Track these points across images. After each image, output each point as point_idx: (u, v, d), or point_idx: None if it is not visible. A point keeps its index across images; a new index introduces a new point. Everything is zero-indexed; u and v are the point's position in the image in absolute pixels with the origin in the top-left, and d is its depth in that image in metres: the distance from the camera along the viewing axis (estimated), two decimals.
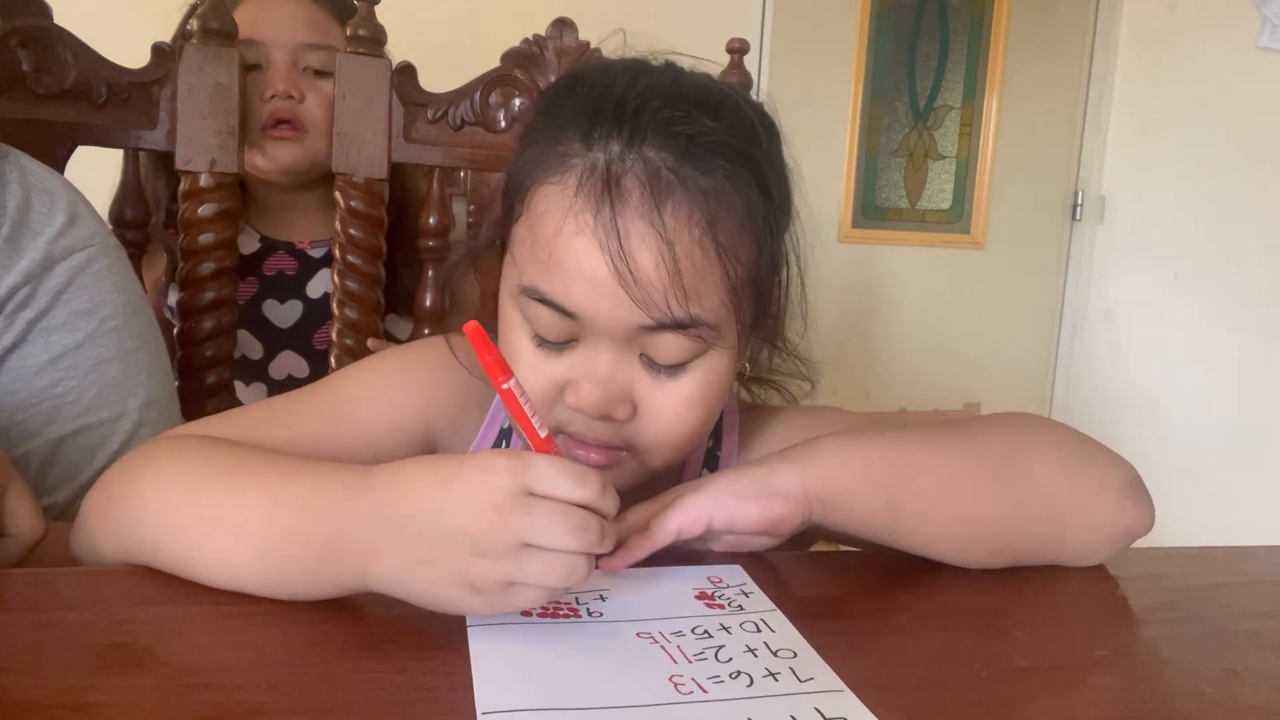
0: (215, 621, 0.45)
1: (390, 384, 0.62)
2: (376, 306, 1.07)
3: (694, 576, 0.52)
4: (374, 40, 1.02)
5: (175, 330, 1.03)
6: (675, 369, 0.53)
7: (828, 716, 0.39)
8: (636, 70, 0.54)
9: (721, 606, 0.49)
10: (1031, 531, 0.56)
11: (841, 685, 0.41)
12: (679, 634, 0.45)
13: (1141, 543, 0.59)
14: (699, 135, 0.50)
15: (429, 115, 1.04)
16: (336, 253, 1.05)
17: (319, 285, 1.19)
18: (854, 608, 0.51)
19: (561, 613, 0.47)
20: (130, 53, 0.97)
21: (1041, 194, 2.68)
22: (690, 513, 0.52)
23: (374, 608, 0.46)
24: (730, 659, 0.43)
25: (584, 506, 0.43)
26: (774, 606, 0.49)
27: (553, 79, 1.06)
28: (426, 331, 1.08)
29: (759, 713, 0.39)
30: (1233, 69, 2.31)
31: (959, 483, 0.55)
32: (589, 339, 0.53)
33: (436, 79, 1.05)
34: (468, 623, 0.45)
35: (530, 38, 1.06)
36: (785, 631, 0.46)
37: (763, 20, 2.41)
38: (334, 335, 1.06)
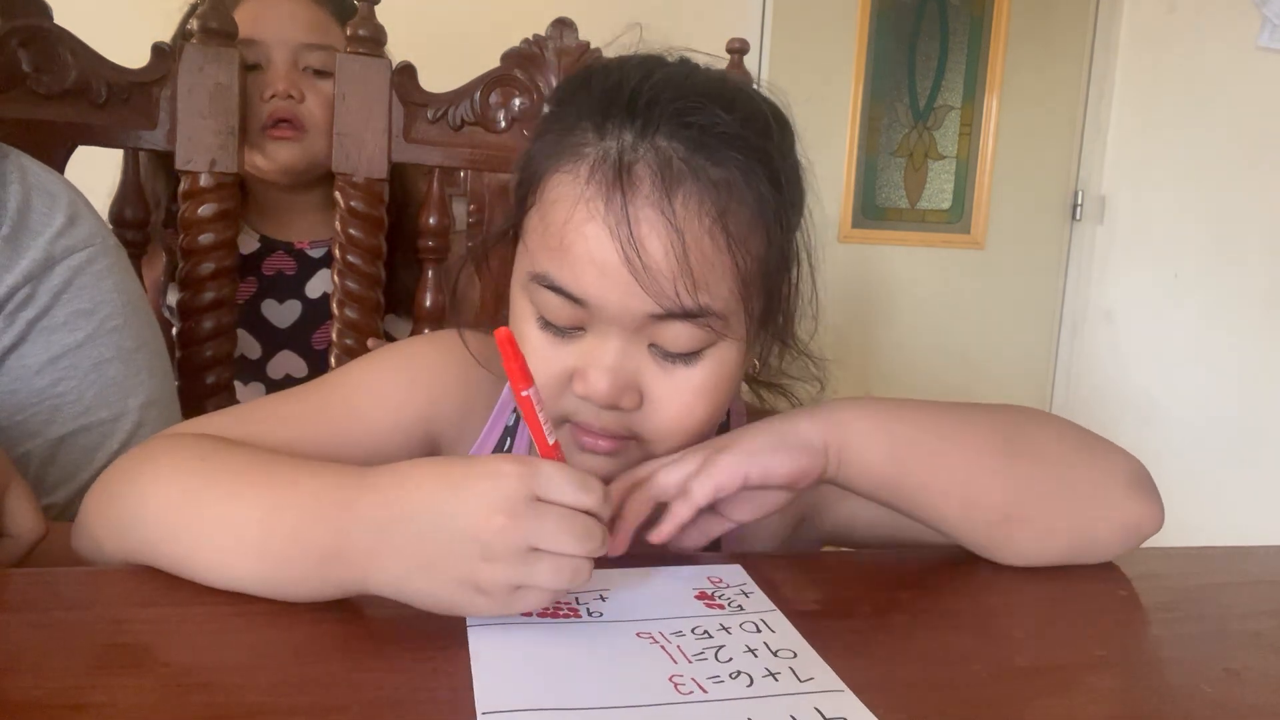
0: (215, 621, 0.45)
1: (393, 382, 0.62)
2: (376, 306, 1.07)
3: (694, 576, 0.52)
4: (374, 40, 1.02)
5: (175, 330, 1.03)
6: (684, 359, 0.54)
7: (828, 716, 0.39)
8: (651, 64, 0.54)
9: (721, 606, 0.49)
10: (1040, 496, 0.56)
11: (841, 685, 0.41)
12: (679, 634, 0.45)
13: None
14: (711, 126, 0.51)
15: (429, 115, 1.04)
16: (336, 253, 1.05)
17: (318, 285, 1.19)
18: (854, 608, 0.51)
19: (562, 613, 0.47)
20: (130, 53, 0.97)
21: (1041, 194, 2.68)
22: (727, 469, 0.52)
23: (374, 608, 0.46)
24: (730, 659, 0.43)
25: (586, 512, 0.44)
26: (774, 606, 0.49)
27: (553, 79, 1.06)
28: (426, 331, 1.08)
29: (759, 713, 0.39)
30: (1233, 69, 2.31)
31: (967, 439, 0.56)
32: (598, 327, 0.53)
33: (436, 79, 1.05)
34: (468, 622, 0.45)
35: (530, 38, 1.06)
36: (785, 631, 0.46)
37: (763, 20, 2.41)
38: (334, 335, 1.06)
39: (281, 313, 1.18)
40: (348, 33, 1.02)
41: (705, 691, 0.40)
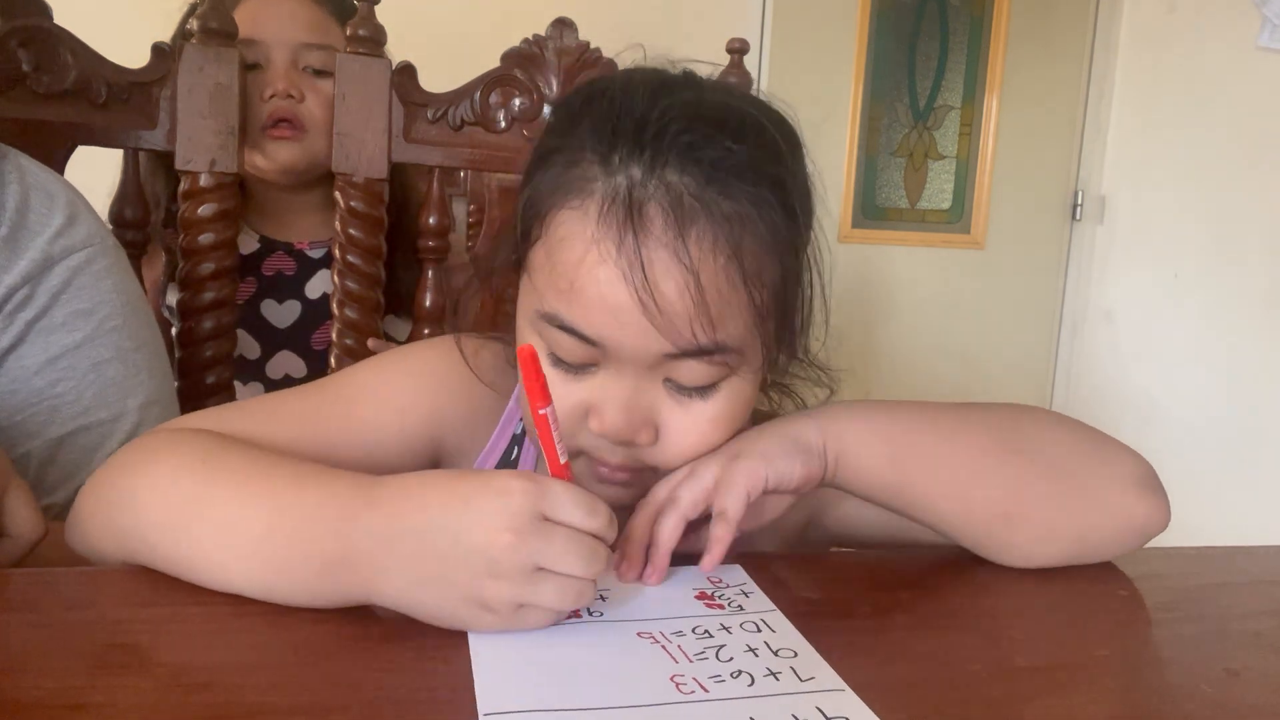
0: (215, 621, 0.45)
1: (398, 388, 0.62)
2: (376, 306, 1.07)
3: (694, 577, 0.52)
4: (374, 40, 1.02)
5: (175, 330, 1.03)
6: (699, 392, 0.53)
7: (829, 716, 0.39)
8: (655, 85, 0.52)
9: (722, 606, 0.49)
10: (1041, 497, 0.56)
11: (843, 684, 0.41)
12: (679, 634, 0.45)
13: None
14: (722, 159, 0.49)
15: (429, 115, 1.04)
16: (336, 253, 1.05)
17: (317, 286, 1.19)
18: (854, 608, 0.51)
19: None
20: (130, 53, 0.97)
21: (1041, 194, 2.68)
22: (750, 475, 0.52)
23: (374, 608, 0.46)
24: (731, 658, 0.43)
25: (592, 535, 0.44)
26: (774, 606, 0.49)
27: (553, 79, 1.06)
28: (426, 332, 1.08)
29: (760, 712, 0.39)
30: (1233, 69, 2.31)
31: (965, 439, 0.56)
32: (611, 365, 0.52)
33: (436, 79, 1.05)
34: None
35: (530, 38, 1.06)
36: (785, 631, 0.46)
37: (763, 20, 2.41)
38: (334, 335, 1.06)
39: (281, 313, 1.18)
40: (348, 32, 1.02)
41: (707, 691, 0.40)
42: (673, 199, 0.48)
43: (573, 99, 0.56)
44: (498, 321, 0.58)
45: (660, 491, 0.54)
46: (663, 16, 2.21)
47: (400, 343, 1.15)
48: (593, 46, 1.06)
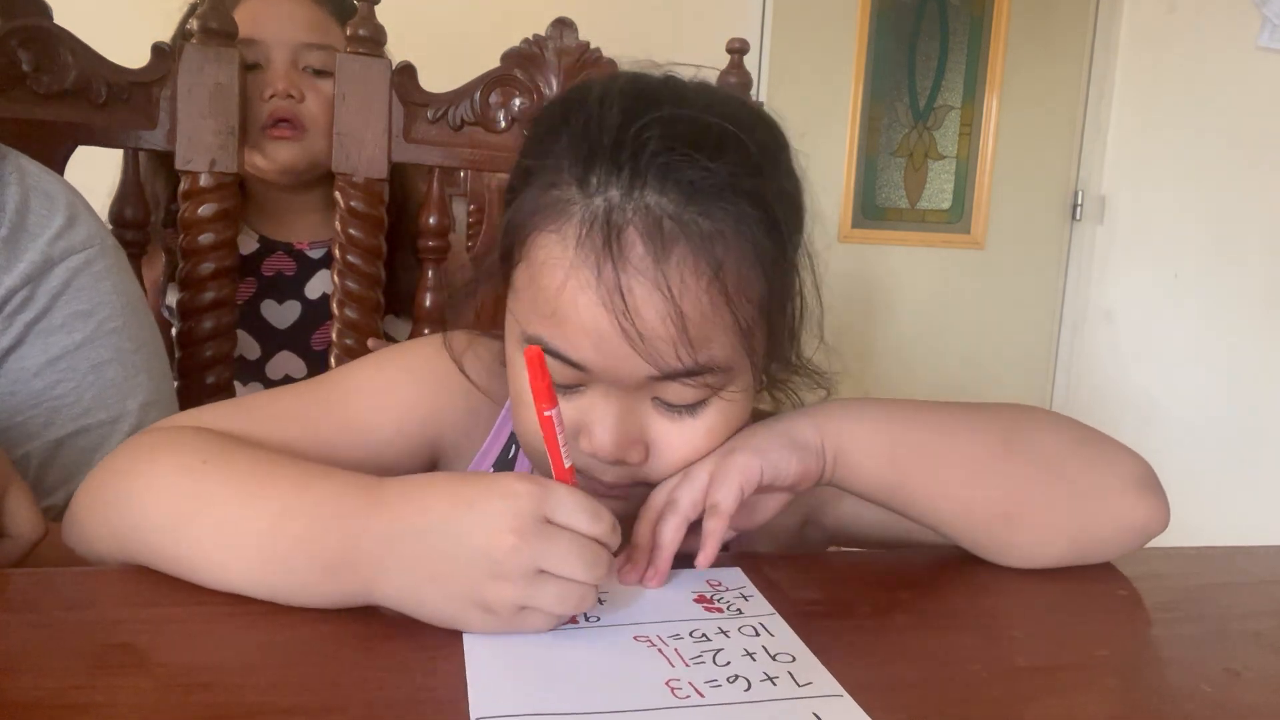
0: (215, 621, 0.45)
1: (396, 387, 0.62)
2: (376, 306, 1.07)
3: (693, 579, 0.52)
4: (374, 40, 1.02)
5: (174, 330, 1.03)
6: (689, 409, 0.53)
7: None
8: (632, 98, 0.50)
9: (720, 610, 0.49)
10: (1041, 497, 0.55)
11: (840, 690, 0.41)
12: (676, 637, 0.45)
13: None
14: (701, 179, 0.48)
15: (429, 115, 1.04)
16: (336, 253, 1.05)
17: (317, 286, 1.19)
18: (854, 608, 0.51)
19: None
20: (130, 53, 0.97)
21: (1041, 194, 2.68)
22: (743, 469, 0.51)
23: (374, 608, 0.46)
24: (728, 662, 0.43)
25: (594, 540, 0.44)
26: (773, 610, 0.49)
27: (553, 79, 1.06)
28: (426, 332, 1.08)
29: (756, 717, 0.39)
30: (1233, 69, 2.31)
31: (964, 439, 0.56)
32: (598, 386, 0.52)
33: (436, 79, 1.05)
34: None
35: (530, 38, 1.06)
36: (784, 635, 0.46)
37: (763, 20, 2.41)
38: (334, 335, 1.06)
39: (281, 313, 1.18)
40: (348, 32, 1.02)
41: (702, 696, 0.40)
42: (651, 222, 0.48)
43: (548, 114, 0.55)
44: (498, 321, 0.58)
45: (659, 496, 0.54)
46: (663, 16, 2.21)
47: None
48: (593, 46, 1.06)
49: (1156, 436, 2.40)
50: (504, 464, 0.64)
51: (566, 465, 0.47)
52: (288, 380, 1.18)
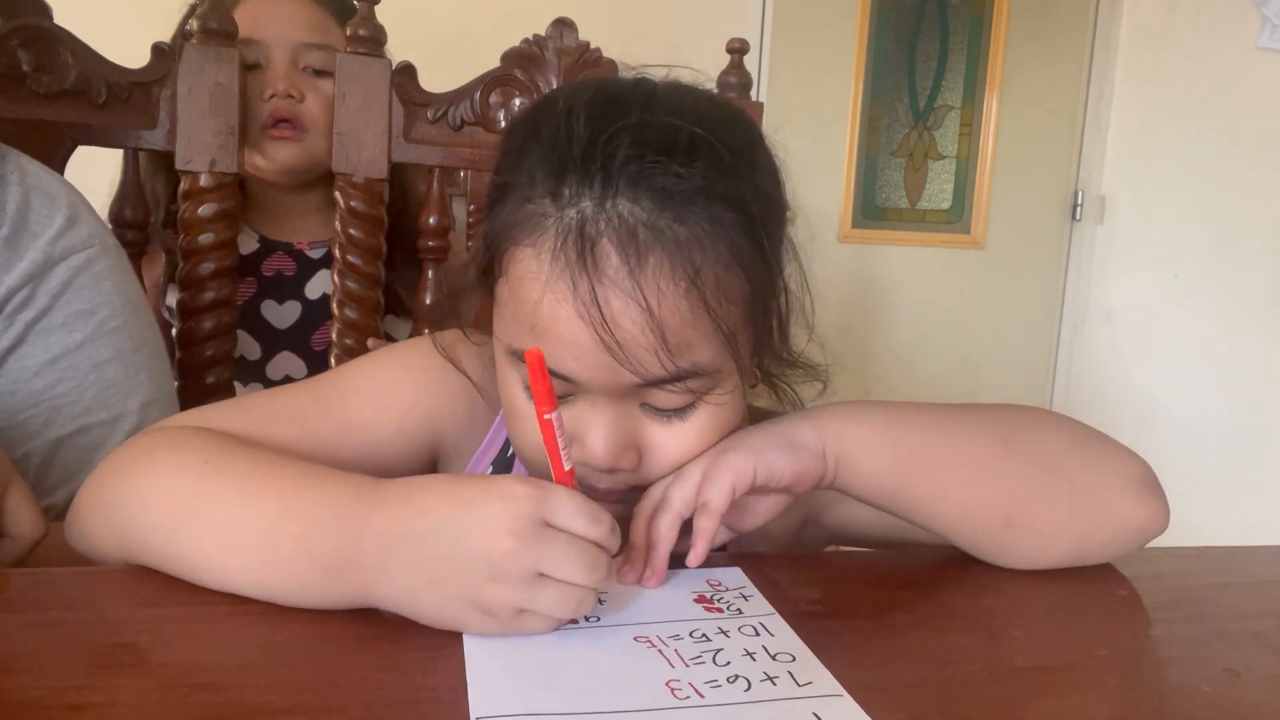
0: (215, 621, 0.45)
1: (397, 386, 0.62)
2: (376, 306, 1.07)
3: (693, 579, 0.52)
4: (374, 40, 1.02)
5: (174, 330, 1.03)
6: (679, 412, 0.53)
7: None
8: (600, 106, 0.50)
9: (720, 610, 0.49)
10: (1040, 500, 0.55)
11: (840, 690, 0.41)
12: (676, 637, 0.45)
13: None
14: (673, 185, 0.48)
15: (429, 115, 1.04)
16: (336, 253, 1.05)
17: (317, 286, 1.19)
18: (854, 608, 0.51)
19: None
20: (130, 53, 0.97)
21: (1041, 194, 2.68)
22: (736, 467, 0.51)
23: (374, 608, 0.46)
24: (728, 662, 0.43)
25: (594, 543, 0.44)
26: (773, 610, 0.49)
27: (553, 79, 1.06)
28: (426, 332, 1.08)
29: (755, 717, 0.39)
30: (1233, 69, 2.31)
31: (965, 441, 0.56)
32: (586, 395, 0.52)
33: (436, 79, 1.05)
34: None
35: (530, 38, 1.06)
36: (784, 635, 0.46)
37: (763, 20, 2.41)
38: (334, 335, 1.06)
39: (281, 313, 1.18)
40: (348, 33, 1.02)
41: (702, 696, 0.40)
42: (625, 232, 0.47)
43: (519, 128, 0.54)
44: (488, 322, 0.58)
45: (653, 495, 0.54)
46: (663, 16, 2.21)
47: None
48: (593, 46, 1.06)
49: (1156, 436, 2.40)
50: (503, 462, 0.64)
51: (566, 468, 0.47)
52: (288, 380, 1.18)
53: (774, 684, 0.41)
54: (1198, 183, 2.40)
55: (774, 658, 0.44)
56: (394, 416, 0.60)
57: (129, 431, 0.72)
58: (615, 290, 0.47)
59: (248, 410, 0.59)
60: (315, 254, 1.19)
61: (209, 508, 0.48)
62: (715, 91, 0.56)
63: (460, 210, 1.38)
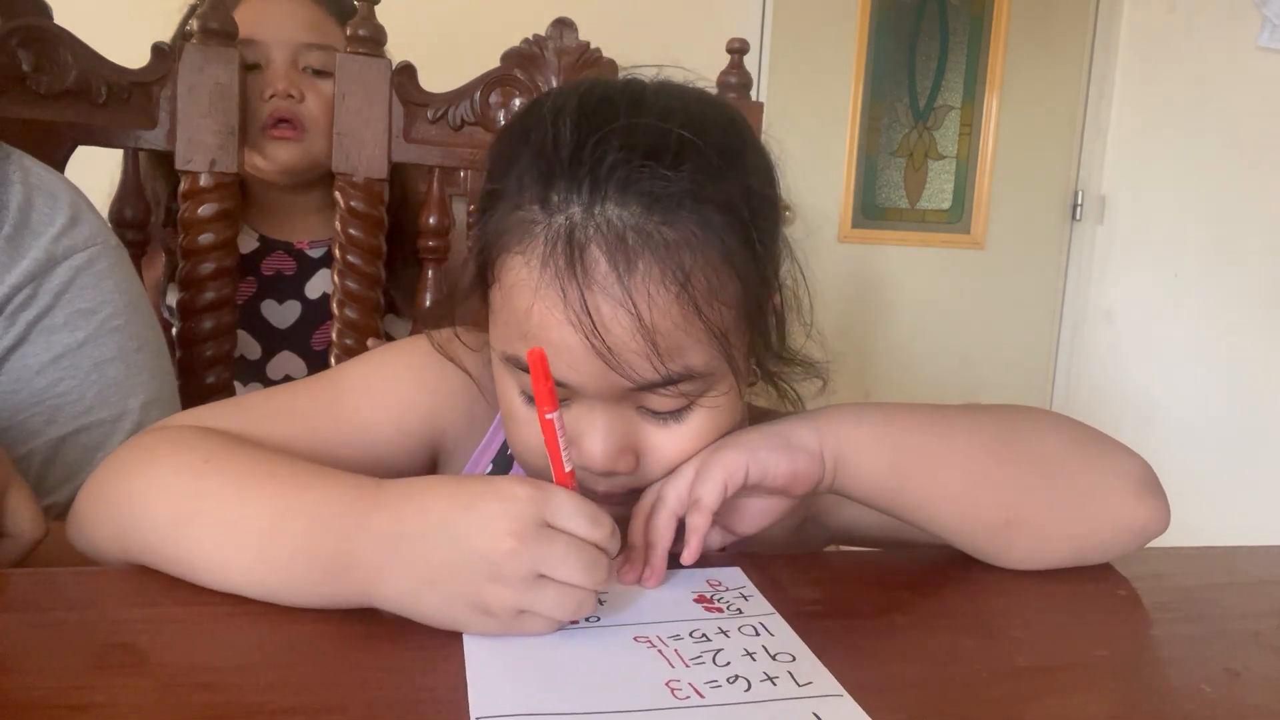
0: (215, 621, 0.45)
1: (397, 385, 0.62)
2: (376, 306, 1.07)
3: (693, 579, 0.52)
4: (374, 40, 1.02)
5: (175, 330, 1.03)
6: (675, 414, 0.53)
7: None
8: (588, 110, 0.50)
9: (720, 610, 0.49)
10: (1040, 500, 0.55)
11: (840, 690, 0.41)
12: (676, 637, 0.45)
13: None
14: (662, 189, 0.47)
15: (429, 115, 1.04)
16: (336, 253, 1.05)
17: (318, 286, 1.19)
18: (854, 608, 0.51)
19: None
20: (130, 53, 0.97)
21: (1041, 194, 2.68)
22: (728, 464, 0.51)
23: (374, 608, 0.46)
24: (728, 663, 0.43)
25: (594, 545, 0.44)
26: (773, 610, 0.49)
27: (553, 79, 1.06)
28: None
29: (756, 718, 0.39)
30: (1233, 69, 2.31)
31: (965, 443, 0.55)
32: (582, 400, 0.52)
33: (436, 79, 1.05)
34: None
35: (530, 38, 1.06)
36: (784, 635, 0.46)
37: (763, 20, 2.41)
38: (334, 335, 1.06)
39: (281, 313, 1.18)
40: (348, 33, 1.02)
41: (702, 696, 0.40)
42: (614, 237, 0.47)
43: (507, 135, 0.54)
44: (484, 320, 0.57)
45: (649, 495, 0.54)
46: (663, 16, 2.21)
47: None
48: (593, 46, 1.06)
49: (1156, 436, 2.40)
50: (503, 460, 0.64)
51: (567, 469, 0.47)
52: (288, 380, 1.18)
53: (774, 684, 0.41)
54: (1198, 183, 2.40)
55: (774, 658, 0.44)
56: (394, 415, 0.60)
57: (130, 430, 0.72)
58: (605, 296, 0.47)
59: (248, 410, 0.59)
60: (315, 253, 1.19)
61: (209, 507, 0.48)
62: (705, 90, 0.56)
63: (460, 210, 1.38)
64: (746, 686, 0.41)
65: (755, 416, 0.65)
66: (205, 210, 0.99)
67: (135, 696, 0.38)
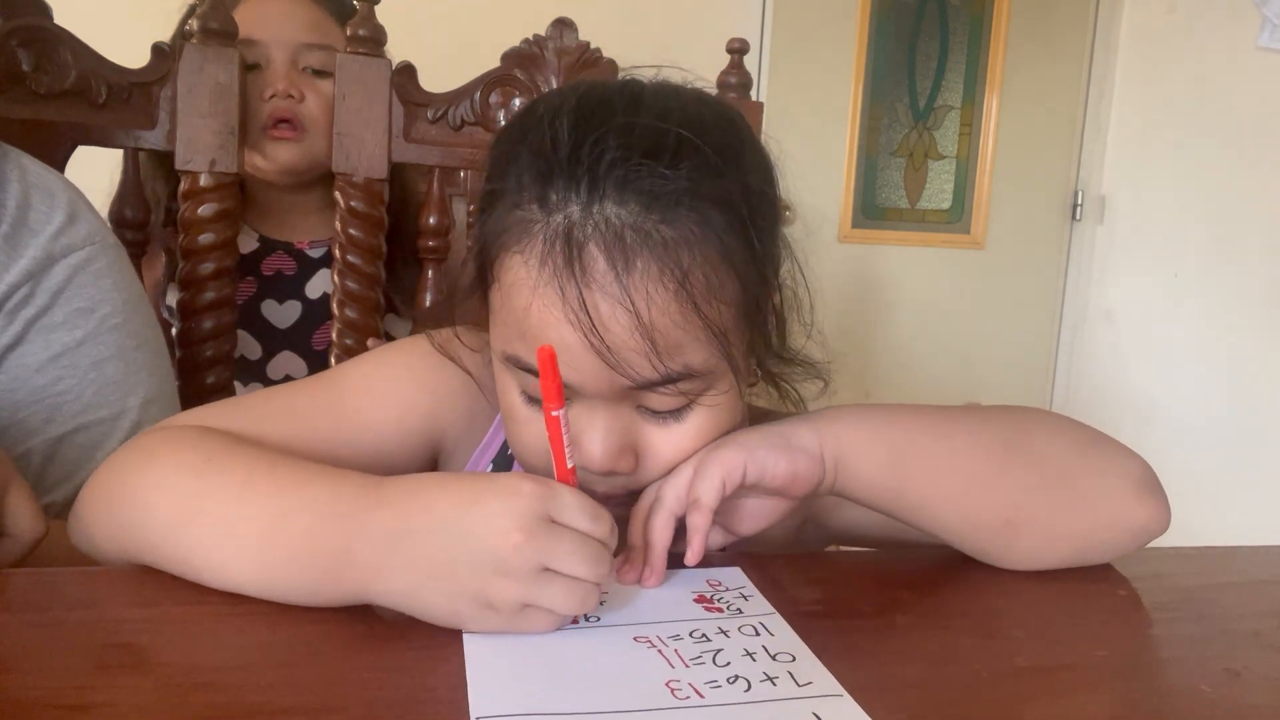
0: (215, 621, 0.45)
1: (398, 382, 0.62)
2: (376, 306, 1.07)
3: (693, 579, 0.52)
4: (374, 40, 1.02)
5: (175, 330, 1.03)
6: (675, 413, 0.53)
7: None
8: (586, 110, 0.50)
9: (720, 610, 0.49)
10: (1041, 501, 0.55)
11: (840, 690, 0.41)
12: (676, 637, 0.45)
13: None
14: (660, 188, 0.48)
15: (429, 115, 1.04)
16: (336, 253, 1.05)
17: (318, 285, 1.19)
18: (854, 608, 0.51)
19: None
20: (130, 53, 0.97)
21: (1041, 194, 2.69)
22: (725, 462, 0.51)
23: (374, 608, 0.46)
24: (728, 663, 0.43)
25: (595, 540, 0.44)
26: (773, 609, 0.49)
27: (553, 79, 1.06)
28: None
29: (755, 718, 0.39)
30: (1233, 69, 2.31)
31: (965, 444, 0.55)
32: (581, 399, 0.52)
33: (436, 79, 1.05)
34: None
35: (530, 38, 1.06)
36: (784, 635, 0.46)
37: (763, 20, 2.41)
38: (334, 335, 1.06)
39: (281, 313, 1.18)
40: (348, 33, 1.02)
41: (702, 697, 0.40)
42: (612, 235, 0.47)
43: (506, 135, 0.54)
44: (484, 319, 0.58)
45: (647, 495, 0.54)
46: (663, 16, 2.21)
47: None
48: (593, 46, 1.06)
49: (1156, 436, 2.40)
50: (504, 459, 0.64)
51: (569, 466, 0.47)
52: (288, 380, 1.18)
53: (774, 684, 0.41)
54: (1198, 183, 2.40)
55: (774, 658, 0.44)
56: (395, 414, 0.60)
57: (129, 429, 0.72)
58: (603, 295, 0.47)
59: (248, 409, 0.59)
60: (315, 253, 1.19)
61: (210, 506, 0.48)
62: (703, 90, 0.56)
63: (460, 210, 1.38)
64: (746, 686, 0.41)
65: (756, 417, 0.65)
66: (205, 210, 0.99)
67: (135, 696, 0.38)
